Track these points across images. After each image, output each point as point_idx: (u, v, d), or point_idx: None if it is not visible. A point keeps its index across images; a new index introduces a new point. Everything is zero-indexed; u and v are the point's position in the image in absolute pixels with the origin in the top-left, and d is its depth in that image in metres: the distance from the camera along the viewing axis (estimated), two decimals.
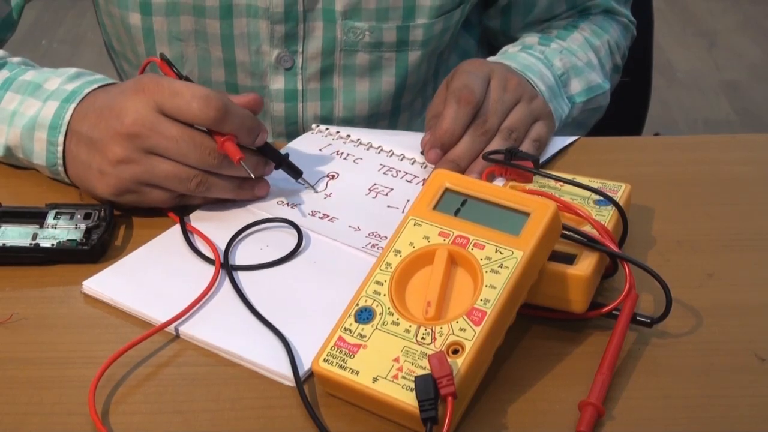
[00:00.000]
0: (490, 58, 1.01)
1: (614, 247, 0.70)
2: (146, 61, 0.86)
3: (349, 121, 1.07)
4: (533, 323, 0.71)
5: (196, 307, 0.71)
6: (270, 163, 0.83)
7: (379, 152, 0.92)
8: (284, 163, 0.84)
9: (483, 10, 1.14)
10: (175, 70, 0.83)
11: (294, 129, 1.07)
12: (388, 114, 1.09)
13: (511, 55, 1.01)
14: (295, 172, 0.85)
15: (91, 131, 0.79)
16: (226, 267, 0.75)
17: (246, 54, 1.02)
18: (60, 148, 0.82)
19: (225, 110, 0.76)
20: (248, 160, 0.79)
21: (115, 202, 0.81)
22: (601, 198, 0.76)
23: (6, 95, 0.86)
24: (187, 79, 0.83)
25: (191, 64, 1.04)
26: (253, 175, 0.79)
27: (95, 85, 0.83)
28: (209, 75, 1.05)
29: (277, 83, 1.04)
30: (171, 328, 0.70)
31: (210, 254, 0.77)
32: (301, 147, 0.93)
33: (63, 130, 0.81)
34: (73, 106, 0.81)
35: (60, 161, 0.82)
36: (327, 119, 1.07)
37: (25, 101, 0.85)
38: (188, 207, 0.82)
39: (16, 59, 0.92)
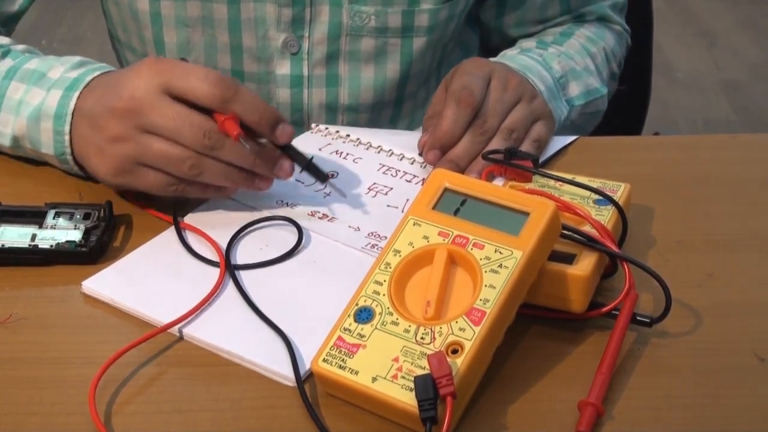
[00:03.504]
0: (490, 59, 1.01)
1: (614, 247, 0.70)
2: None
3: (354, 109, 1.07)
4: (533, 323, 0.71)
5: (202, 305, 0.71)
6: (284, 159, 0.79)
7: (378, 152, 0.92)
8: (308, 166, 0.80)
9: (480, 6, 1.14)
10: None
11: (299, 116, 1.07)
12: (393, 102, 1.09)
13: (510, 57, 1.01)
14: (320, 177, 0.81)
15: (93, 107, 0.79)
16: (229, 267, 0.75)
17: (253, 39, 1.02)
18: (67, 137, 0.81)
19: (235, 90, 0.75)
20: (249, 143, 0.76)
21: (115, 185, 0.80)
22: (601, 198, 0.76)
23: (11, 85, 0.85)
24: None
25: (198, 50, 1.04)
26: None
27: (98, 72, 0.83)
28: (215, 61, 1.05)
29: (283, 68, 1.04)
30: (173, 329, 0.70)
31: (211, 254, 0.77)
32: (301, 146, 0.93)
33: (68, 119, 0.81)
34: (76, 93, 0.81)
35: (68, 150, 0.82)
36: (332, 106, 1.07)
37: (30, 90, 0.84)
38: (182, 208, 0.82)
39: (20, 47, 0.91)
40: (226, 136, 0.75)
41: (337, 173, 0.88)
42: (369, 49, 1.04)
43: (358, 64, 1.05)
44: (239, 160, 0.77)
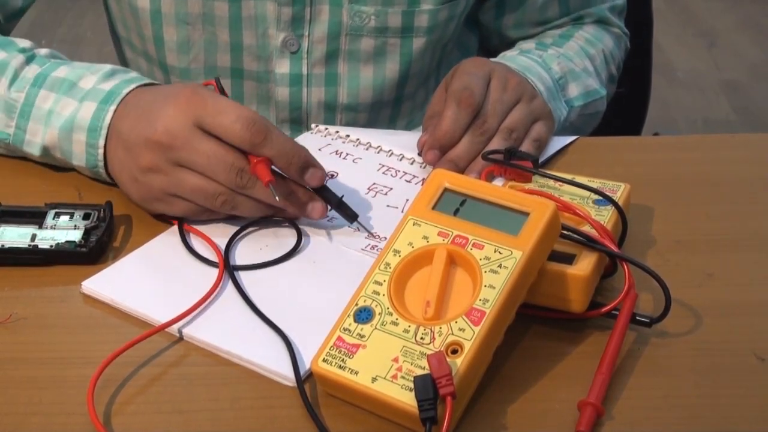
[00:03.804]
0: (490, 59, 1.01)
1: (613, 247, 0.70)
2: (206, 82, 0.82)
3: (353, 108, 1.07)
4: (533, 323, 0.71)
5: (201, 303, 0.71)
6: (315, 201, 0.79)
7: (378, 152, 0.92)
8: (339, 205, 0.79)
9: (479, 6, 1.14)
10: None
11: (298, 114, 1.07)
12: (392, 102, 1.09)
13: (510, 58, 1.01)
14: (350, 216, 0.80)
15: (129, 133, 0.78)
16: (228, 268, 0.75)
17: (253, 37, 1.03)
18: (101, 151, 0.81)
19: (266, 135, 0.74)
20: (281, 186, 0.77)
21: (145, 208, 0.81)
22: (601, 198, 0.76)
23: (40, 93, 0.84)
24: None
25: (197, 48, 1.04)
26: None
27: (132, 85, 0.82)
28: (215, 60, 1.05)
29: (283, 67, 1.04)
30: (172, 329, 0.70)
31: (210, 255, 0.77)
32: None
33: (104, 132, 0.81)
34: (112, 108, 0.81)
35: (101, 163, 0.82)
36: (331, 105, 1.07)
37: (61, 100, 0.83)
38: None
39: (43, 51, 0.89)
40: (257, 178, 0.76)
41: (337, 173, 0.88)
42: (368, 48, 1.04)
43: (357, 64, 1.05)
44: (270, 200, 0.77)
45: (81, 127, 0.81)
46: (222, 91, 0.81)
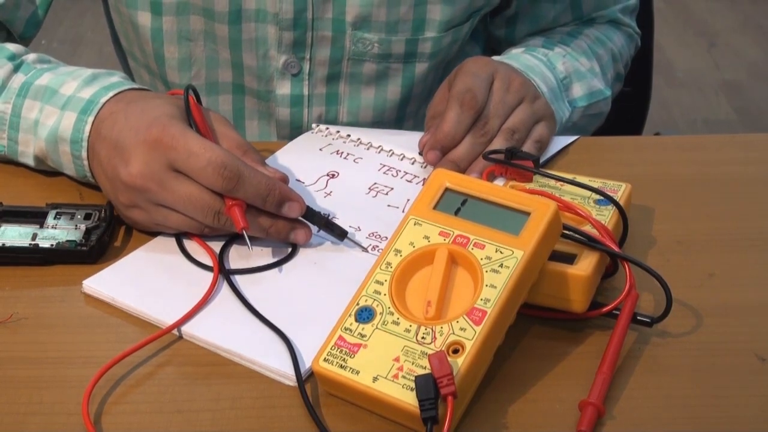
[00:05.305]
0: (494, 58, 1.01)
1: (614, 247, 0.70)
2: (172, 91, 0.83)
3: (353, 126, 1.06)
4: (533, 323, 0.71)
5: (198, 308, 0.71)
6: (298, 228, 0.78)
7: (379, 152, 0.92)
8: (327, 225, 0.78)
9: (489, 19, 1.14)
10: (199, 105, 0.81)
11: (299, 132, 1.06)
12: (393, 121, 1.09)
13: (514, 56, 1.01)
14: (339, 235, 0.78)
15: (106, 163, 0.78)
16: (223, 272, 0.75)
17: (253, 58, 1.02)
18: (86, 162, 0.81)
19: (237, 180, 0.73)
20: (260, 220, 0.76)
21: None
22: (602, 198, 0.76)
23: (25, 103, 0.84)
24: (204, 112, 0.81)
25: (199, 64, 1.03)
26: (251, 249, 0.75)
27: (111, 93, 0.82)
28: (217, 76, 1.04)
29: (284, 88, 1.03)
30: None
31: (208, 258, 0.77)
32: (301, 146, 0.93)
33: (85, 145, 0.81)
34: (90, 119, 0.80)
35: (89, 173, 0.82)
36: (331, 122, 1.06)
37: (44, 109, 0.83)
38: None
39: (31, 57, 0.89)
40: None
41: (338, 173, 0.88)
42: (370, 72, 1.03)
43: (358, 86, 1.04)
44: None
45: (64, 139, 0.81)
46: (187, 109, 0.78)
